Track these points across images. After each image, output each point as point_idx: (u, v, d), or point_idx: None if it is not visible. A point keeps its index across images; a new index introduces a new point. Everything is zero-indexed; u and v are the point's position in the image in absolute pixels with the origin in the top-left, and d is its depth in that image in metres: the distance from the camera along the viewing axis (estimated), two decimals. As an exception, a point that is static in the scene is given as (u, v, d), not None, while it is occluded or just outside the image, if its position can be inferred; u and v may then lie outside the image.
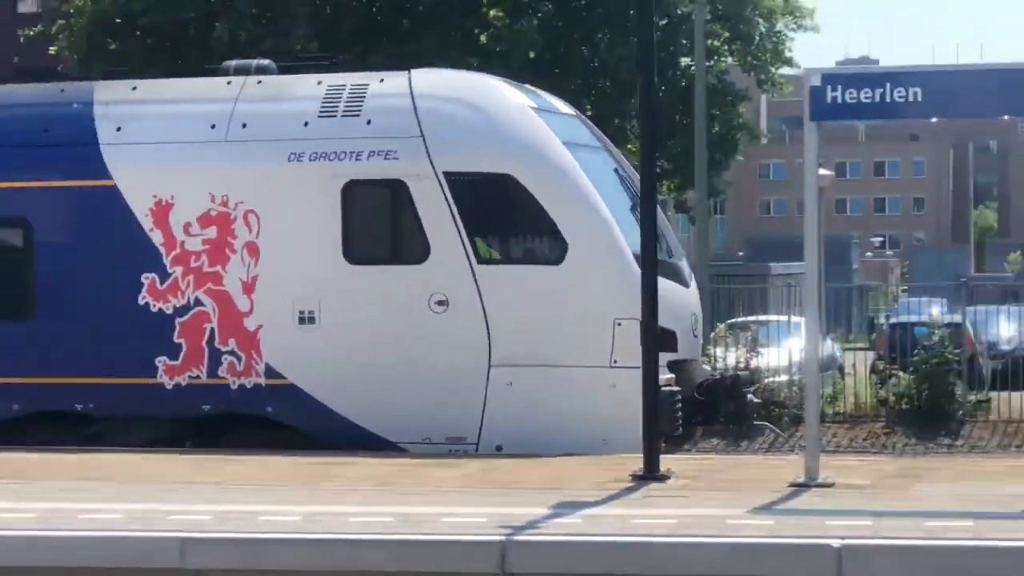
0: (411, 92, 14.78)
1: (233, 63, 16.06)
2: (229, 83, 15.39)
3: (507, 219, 14.67)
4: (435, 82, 15.20)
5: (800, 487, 11.54)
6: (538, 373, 14.23)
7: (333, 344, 14.54)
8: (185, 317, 14.76)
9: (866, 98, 11.66)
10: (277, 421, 14.75)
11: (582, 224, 14.38)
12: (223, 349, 14.83)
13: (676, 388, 14.55)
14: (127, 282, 14.92)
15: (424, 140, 14.46)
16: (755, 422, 16.64)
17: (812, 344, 12.52)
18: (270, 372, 14.72)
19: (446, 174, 14.38)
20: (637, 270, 12.75)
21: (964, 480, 12.28)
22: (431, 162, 14.40)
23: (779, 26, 34.51)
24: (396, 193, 14.42)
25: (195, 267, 14.86)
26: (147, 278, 14.91)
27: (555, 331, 14.25)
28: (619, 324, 14.00)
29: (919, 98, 11.56)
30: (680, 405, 13.98)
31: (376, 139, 14.52)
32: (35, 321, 15.16)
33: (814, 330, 12.65)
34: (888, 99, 11.60)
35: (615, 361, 14.10)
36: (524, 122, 14.87)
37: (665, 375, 14.49)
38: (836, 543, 9.18)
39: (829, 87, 11.70)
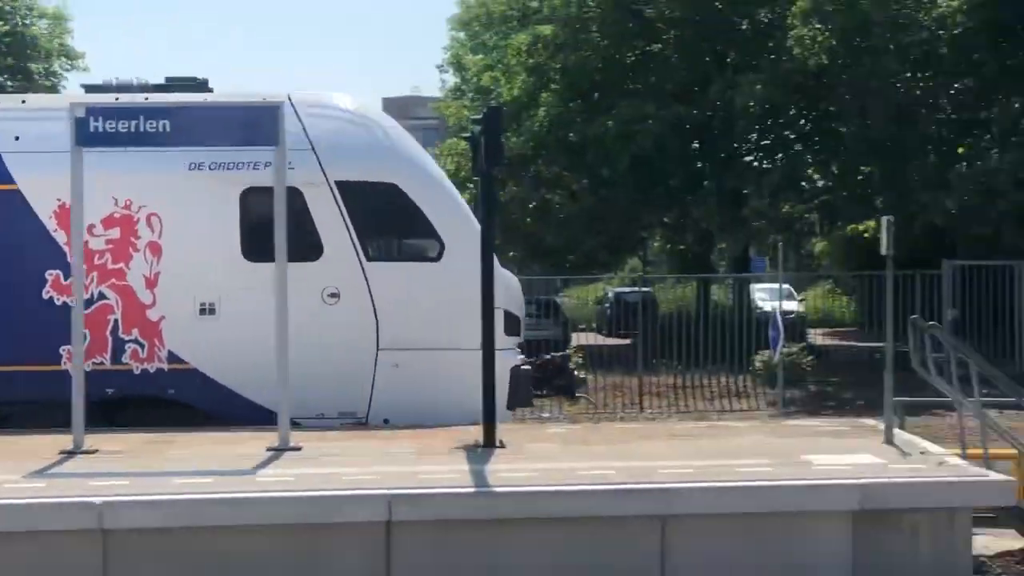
0: (295, 111, 16.63)
1: (114, 81, 17.44)
2: (117, 99, 16.73)
3: (392, 222, 16.72)
4: (315, 101, 17.10)
5: (69, 454, 13.61)
6: (420, 356, 16.35)
7: (233, 332, 16.21)
8: (89, 310, 16.12)
9: (123, 128, 13.85)
10: (180, 401, 16.29)
11: (456, 227, 16.64)
12: (126, 338, 16.31)
13: (529, 367, 17.12)
14: (33, 279, 16.23)
15: (315, 153, 16.38)
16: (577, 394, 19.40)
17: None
18: (172, 358, 16.27)
19: (338, 183, 16.36)
20: (499, 266, 15.22)
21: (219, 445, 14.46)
22: (324, 172, 16.34)
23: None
24: (291, 199, 16.21)
25: (99, 264, 16.31)
26: (51, 274, 16.27)
27: (435, 319, 16.42)
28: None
29: (167, 128, 13.86)
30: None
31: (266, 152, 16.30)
32: None
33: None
34: (142, 129, 13.83)
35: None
36: (402, 137, 17.08)
37: (519, 356, 17.02)
38: (98, 500, 11.40)
39: (92, 118, 13.82)
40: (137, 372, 16.33)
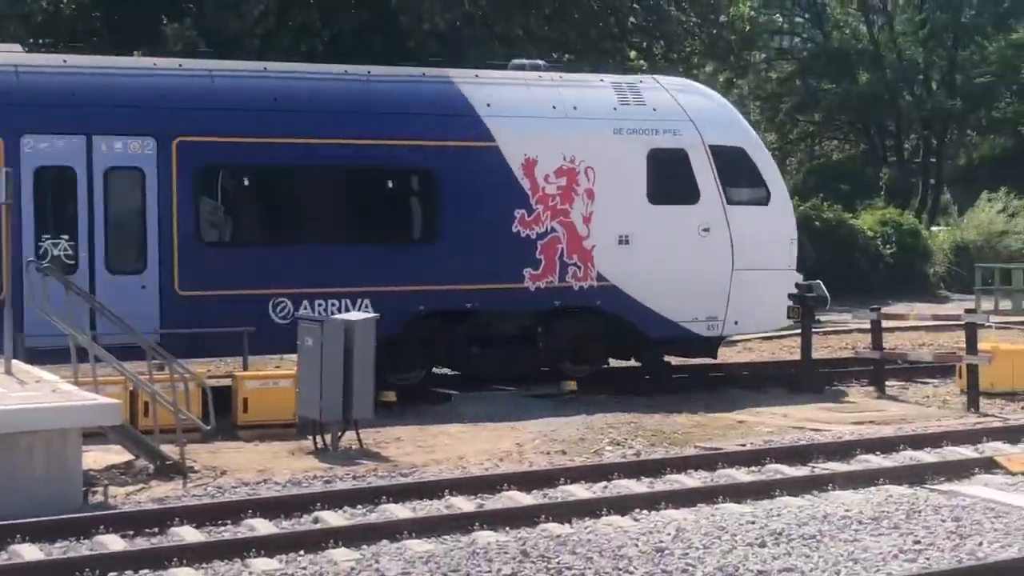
0: (668, 91, 22.42)
1: (519, 61, 23.04)
2: (540, 76, 21.96)
3: (739, 176, 22.72)
4: (678, 83, 23.26)
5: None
6: (756, 274, 22.59)
7: (641, 258, 21.85)
8: (544, 241, 21.28)
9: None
10: (604, 311, 21.77)
11: (775, 180, 23.03)
12: (569, 262, 21.54)
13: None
14: (505, 216, 21.11)
15: (694, 123, 22.19)
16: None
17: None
18: (599, 277, 21.72)
19: (710, 146, 22.27)
20: None
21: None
22: (701, 138, 22.18)
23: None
24: (677, 157, 22.03)
25: (551, 205, 21.39)
26: (517, 213, 21.22)
27: (764, 247, 22.69)
28: (792, 241, 22.92)
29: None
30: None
31: (663, 121, 22.00)
32: (440, 243, 20.81)
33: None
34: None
35: (789, 265, 22.93)
36: (737, 112, 23.22)
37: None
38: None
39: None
40: (575, 288, 21.63)
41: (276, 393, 18.12)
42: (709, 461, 15.67)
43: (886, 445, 16.78)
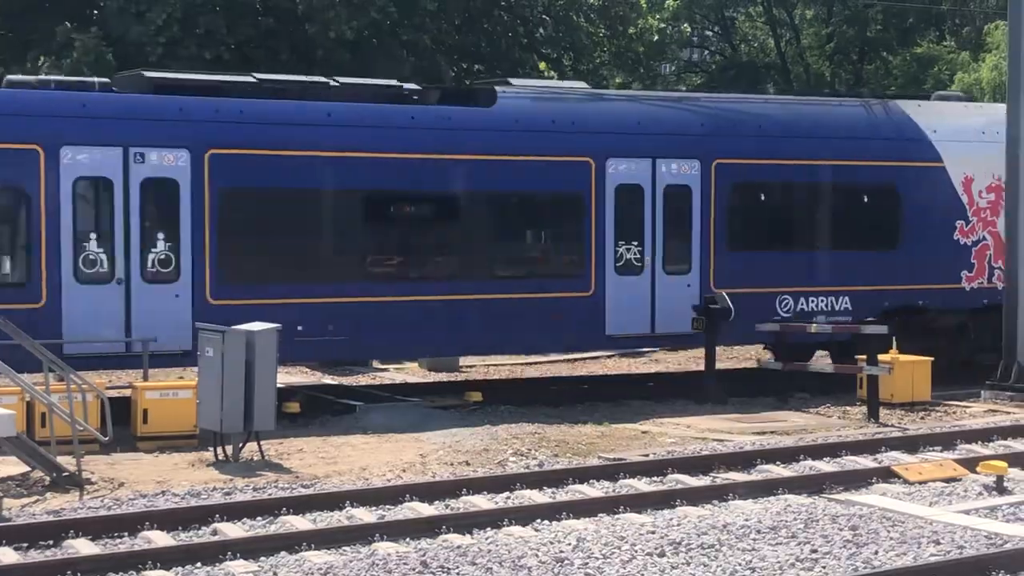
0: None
1: (942, 92, 28.24)
2: (965, 106, 25.82)
3: None
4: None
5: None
6: None
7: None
8: (977, 247, 24.82)
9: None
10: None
11: None
12: (995, 266, 24.85)
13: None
14: (948, 226, 24.65)
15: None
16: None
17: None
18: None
19: None
20: None
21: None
22: None
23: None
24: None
25: (983, 218, 24.86)
26: (958, 224, 24.73)
27: None
28: None
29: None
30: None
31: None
32: (899, 250, 24.43)
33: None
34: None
35: None
36: None
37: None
38: None
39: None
40: (999, 289, 24.20)
41: (176, 404, 17.94)
42: (611, 471, 15.72)
43: (786, 455, 16.95)
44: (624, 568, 11.42)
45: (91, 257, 19.29)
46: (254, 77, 21.22)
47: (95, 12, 32.33)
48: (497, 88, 22.52)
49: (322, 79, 21.87)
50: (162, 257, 19.68)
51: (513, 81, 23.78)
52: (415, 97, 21.83)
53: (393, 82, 22.45)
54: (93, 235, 19.36)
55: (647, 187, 22.74)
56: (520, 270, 22.40)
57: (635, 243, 22.61)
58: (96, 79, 20.95)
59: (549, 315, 21.93)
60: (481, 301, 21.53)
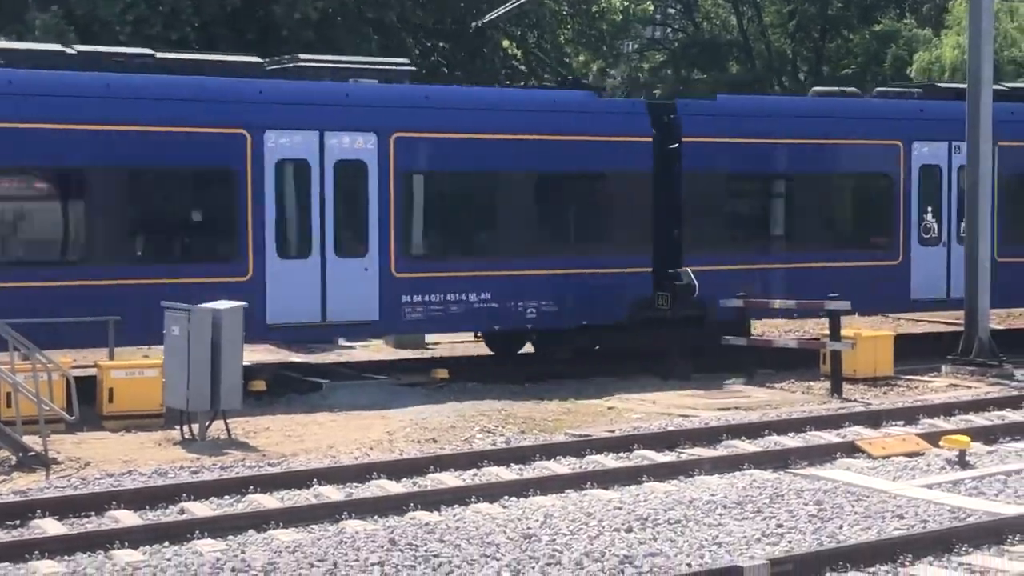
0: None
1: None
2: None
3: None
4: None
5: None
6: None
7: None
8: None
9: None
10: None
11: None
12: None
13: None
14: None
15: None
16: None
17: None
18: None
19: None
20: None
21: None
22: None
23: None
24: None
25: None
26: None
27: None
28: None
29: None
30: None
31: None
32: None
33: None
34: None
35: None
36: None
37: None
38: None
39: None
40: None
41: (143, 383, 17.91)
42: (577, 448, 15.80)
43: (751, 430, 17.06)
44: (591, 544, 11.49)
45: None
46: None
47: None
48: None
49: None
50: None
51: None
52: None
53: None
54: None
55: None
56: None
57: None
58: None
59: None
60: None
